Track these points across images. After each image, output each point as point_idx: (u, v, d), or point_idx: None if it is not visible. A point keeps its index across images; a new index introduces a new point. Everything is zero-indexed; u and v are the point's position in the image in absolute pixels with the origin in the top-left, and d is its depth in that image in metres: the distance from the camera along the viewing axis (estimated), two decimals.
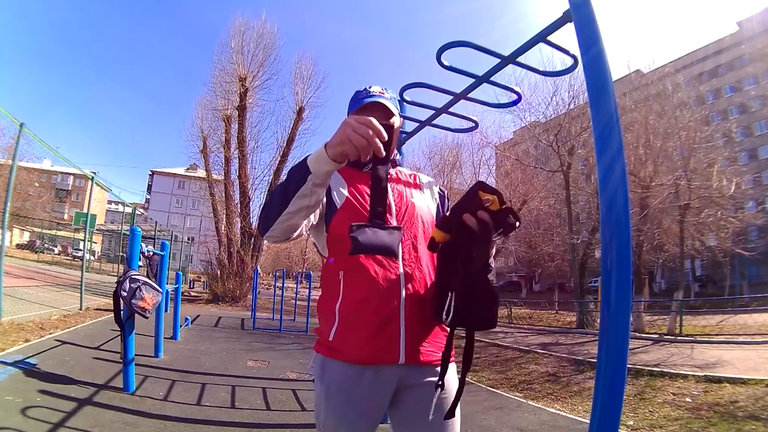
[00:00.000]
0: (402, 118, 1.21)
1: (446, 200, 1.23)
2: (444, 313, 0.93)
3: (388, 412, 1.08)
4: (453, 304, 0.91)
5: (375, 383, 0.99)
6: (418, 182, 1.21)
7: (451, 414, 0.96)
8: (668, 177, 11.28)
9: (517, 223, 0.88)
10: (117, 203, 49.32)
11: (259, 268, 13.56)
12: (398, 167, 1.20)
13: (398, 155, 1.20)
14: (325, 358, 1.03)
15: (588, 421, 0.88)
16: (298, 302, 12.72)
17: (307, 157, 0.90)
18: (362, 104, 1.06)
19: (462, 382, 0.96)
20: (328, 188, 1.07)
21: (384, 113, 1.07)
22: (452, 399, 1.03)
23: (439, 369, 1.03)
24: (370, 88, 1.10)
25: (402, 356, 0.98)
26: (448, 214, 0.94)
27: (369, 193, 1.06)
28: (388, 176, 1.14)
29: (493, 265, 0.98)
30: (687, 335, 8.28)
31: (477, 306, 0.90)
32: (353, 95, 1.13)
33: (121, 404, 2.83)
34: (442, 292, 0.95)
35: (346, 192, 1.07)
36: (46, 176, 45.39)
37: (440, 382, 0.97)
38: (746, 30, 28.40)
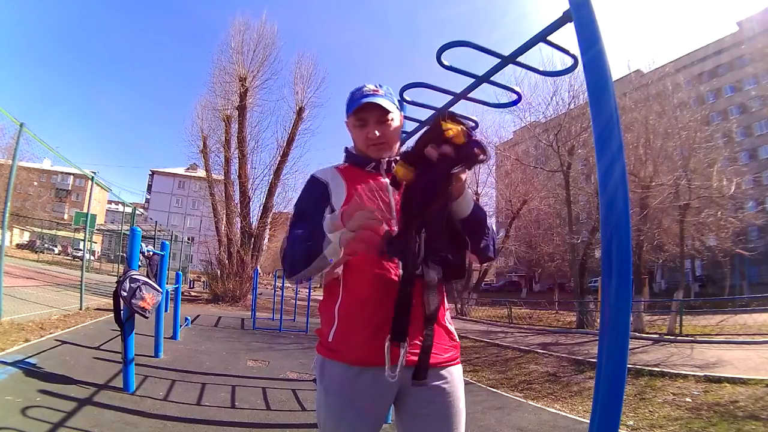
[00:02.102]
0: (402, 114, 1.19)
1: None
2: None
3: (394, 415, 1.07)
4: (419, 247, 0.83)
5: (374, 385, 0.98)
6: None
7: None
8: (668, 177, 11.28)
9: (482, 156, 0.81)
10: (117, 203, 49.33)
11: (259, 268, 13.56)
12: None
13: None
14: (325, 359, 1.03)
15: (588, 421, 0.88)
16: (298, 302, 12.72)
17: (324, 241, 0.88)
18: (358, 105, 1.05)
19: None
20: (329, 194, 1.06)
21: (380, 112, 1.06)
22: (457, 401, 1.02)
23: (443, 372, 1.01)
24: (363, 87, 1.08)
25: (402, 358, 0.97)
26: (411, 148, 0.86)
27: (369, 195, 1.05)
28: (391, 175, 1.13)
29: (467, 208, 0.92)
30: (687, 335, 8.28)
31: (441, 251, 0.84)
32: (349, 95, 1.11)
33: (121, 404, 2.83)
34: (404, 235, 0.85)
35: (344, 192, 1.06)
36: (46, 176, 45.39)
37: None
38: (746, 30, 28.45)
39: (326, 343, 1.03)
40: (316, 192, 1.07)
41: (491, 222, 1.03)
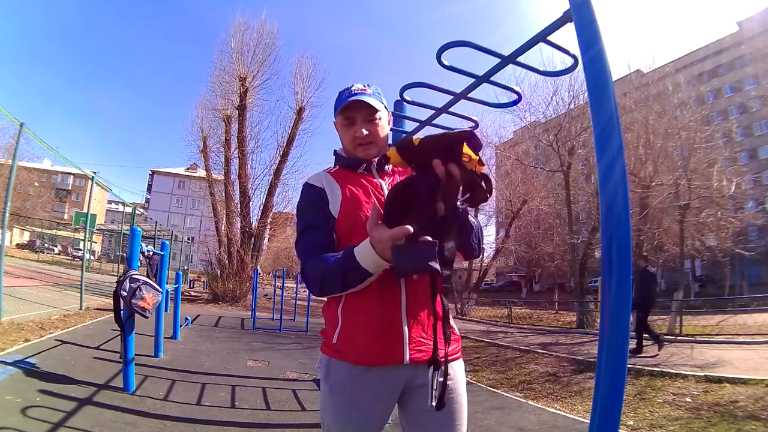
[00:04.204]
0: (390, 114, 1.19)
1: None
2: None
3: (398, 411, 1.08)
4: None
5: (379, 384, 0.99)
6: None
7: (440, 405, 0.87)
8: (668, 177, 11.28)
9: (488, 196, 0.81)
10: (117, 203, 49.31)
11: (259, 268, 13.55)
12: None
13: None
14: (330, 359, 1.04)
15: (588, 421, 0.88)
16: (298, 302, 12.72)
17: (358, 257, 0.88)
18: (345, 103, 1.05)
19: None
20: (327, 201, 1.06)
21: (367, 110, 1.06)
22: (460, 397, 1.02)
23: (447, 367, 1.01)
24: (351, 87, 1.09)
25: (407, 356, 0.98)
26: (416, 141, 0.81)
27: (364, 197, 1.05)
28: (385, 174, 1.12)
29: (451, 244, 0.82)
30: (687, 335, 8.28)
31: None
32: (337, 96, 1.11)
33: (121, 404, 2.83)
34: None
35: (339, 196, 1.06)
36: (46, 176, 45.37)
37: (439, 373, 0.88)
38: (746, 30, 28.44)
39: (331, 344, 1.04)
40: (315, 199, 1.07)
41: (475, 220, 1.02)
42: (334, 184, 1.08)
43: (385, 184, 1.09)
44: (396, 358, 0.97)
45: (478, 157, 0.79)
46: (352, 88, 1.07)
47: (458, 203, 0.80)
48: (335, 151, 1.18)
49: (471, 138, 0.78)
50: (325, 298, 1.09)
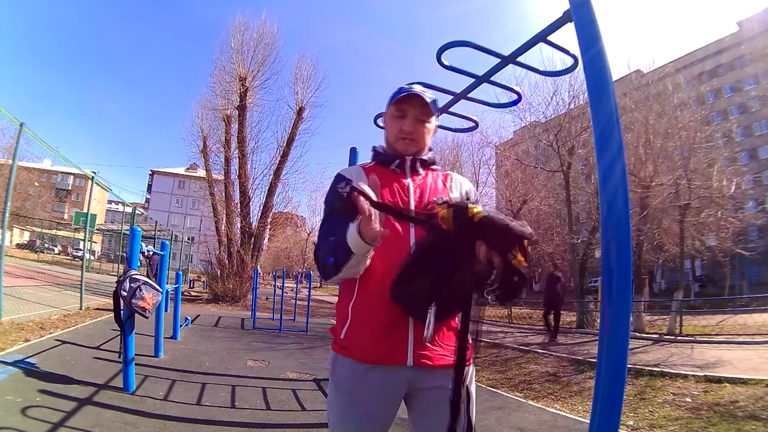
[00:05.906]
0: (437, 126, 1.21)
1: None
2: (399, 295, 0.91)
3: (407, 413, 1.08)
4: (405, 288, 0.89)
5: (382, 383, 0.99)
6: (448, 184, 1.16)
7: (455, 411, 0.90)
8: (668, 177, 11.26)
9: (518, 295, 0.81)
10: (117, 203, 49.30)
11: (259, 268, 13.54)
12: (432, 166, 1.18)
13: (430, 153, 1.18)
14: (337, 356, 1.05)
15: (588, 421, 0.88)
16: (298, 302, 12.71)
17: (347, 235, 0.90)
18: (402, 95, 1.07)
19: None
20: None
21: (421, 110, 1.07)
22: (470, 404, 1.00)
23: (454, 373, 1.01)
24: (413, 84, 1.11)
25: (410, 358, 0.98)
26: (476, 213, 0.82)
27: (389, 193, 1.06)
28: (416, 175, 1.14)
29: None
30: (687, 335, 8.26)
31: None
32: (396, 89, 1.12)
33: (121, 404, 2.83)
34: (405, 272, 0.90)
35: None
36: (46, 176, 45.33)
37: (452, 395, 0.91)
38: (746, 30, 28.42)
39: (339, 340, 1.05)
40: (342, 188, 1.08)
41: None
42: (363, 177, 1.09)
43: (413, 185, 1.11)
44: (399, 359, 0.98)
45: (524, 260, 0.78)
46: (414, 86, 1.09)
47: (485, 292, 0.80)
48: (374, 147, 1.20)
49: (532, 243, 0.79)
50: (337, 297, 1.11)
